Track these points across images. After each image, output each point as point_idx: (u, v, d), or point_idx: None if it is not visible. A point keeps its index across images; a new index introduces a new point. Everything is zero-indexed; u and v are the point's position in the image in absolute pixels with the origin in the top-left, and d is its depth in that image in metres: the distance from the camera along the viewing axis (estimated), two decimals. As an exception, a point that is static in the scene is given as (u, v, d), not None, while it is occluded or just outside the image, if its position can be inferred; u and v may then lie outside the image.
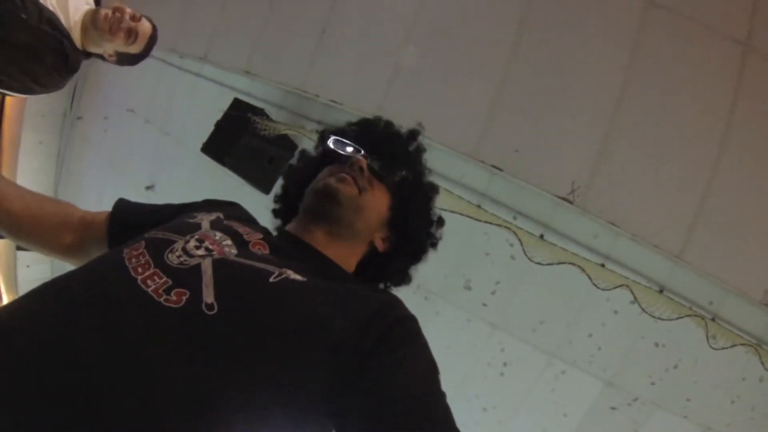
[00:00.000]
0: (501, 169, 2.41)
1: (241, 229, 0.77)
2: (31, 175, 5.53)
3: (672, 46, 2.65)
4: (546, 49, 2.61)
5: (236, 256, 0.69)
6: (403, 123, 2.47)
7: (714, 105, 2.65)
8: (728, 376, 3.09)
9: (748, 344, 2.95)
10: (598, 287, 2.87)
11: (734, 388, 3.11)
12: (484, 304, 2.90)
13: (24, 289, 6.19)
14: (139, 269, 0.64)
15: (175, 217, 0.84)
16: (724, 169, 2.64)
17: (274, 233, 0.87)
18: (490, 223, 2.52)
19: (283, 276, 0.66)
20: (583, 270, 2.78)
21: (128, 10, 1.65)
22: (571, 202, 2.55)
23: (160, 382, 0.55)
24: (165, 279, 0.63)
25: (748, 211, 2.68)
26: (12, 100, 6.34)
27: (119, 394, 0.53)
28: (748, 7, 2.63)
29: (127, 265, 0.65)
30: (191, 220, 0.78)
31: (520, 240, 2.55)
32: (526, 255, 2.59)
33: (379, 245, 0.88)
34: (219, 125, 3.00)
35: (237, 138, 2.86)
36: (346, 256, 0.85)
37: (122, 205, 0.95)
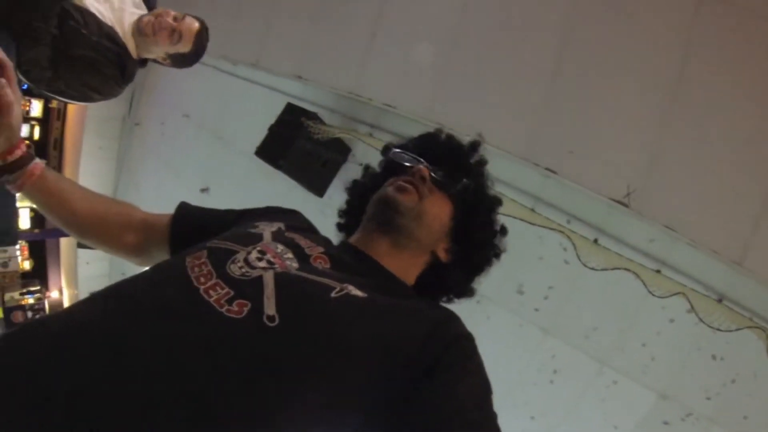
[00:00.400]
0: (555, 172, 2.38)
1: (303, 241, 0.77)
2: (91, 177, 5.83)
3: (727, 41, 2.54)
4: (595, 47, 2.56)
5: (298, 269, 0.70)
6: (456, 125, 2.47)
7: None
8: (790, 394, 2.93)
9: (811, 359, 2.79)
10: (653, 294, 2.78)
11: (797, 407, 2.94)
12: (537, 309, 2.86)
13: (84, 285, 6.52)
14: (201, 279, 0.66)
15: (237, 224, 0.86)
16: (788, 171, 2.52)
17: (336, 243, 0.89)
18: (544, 226, 2.48)
19: (345, 291, 0.67)
20: (638, 276, 2.70)
21: (171, 12, 1.70)
22: (626, 206, 2.49)
23: (220, 391, 0.56)
24: (227, 290, 0.64)
25: (817, 216, 2.55)
26: (73, 107, 6.72)
27: (178, 402, 0.55)
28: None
29: (189, 275, 0.67)
30: (253, 231, 0.79)
31: (573, 244, 2.51)
32: (579, 260, 2.54)
33: (442, 255, 0.88)
34: (272, 129, 3.09)
35: (291, 142, 2.94)
36: (408, 267, 0.86)
37: (184, 210, 0.97)
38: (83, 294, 6.66)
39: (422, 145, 0.96)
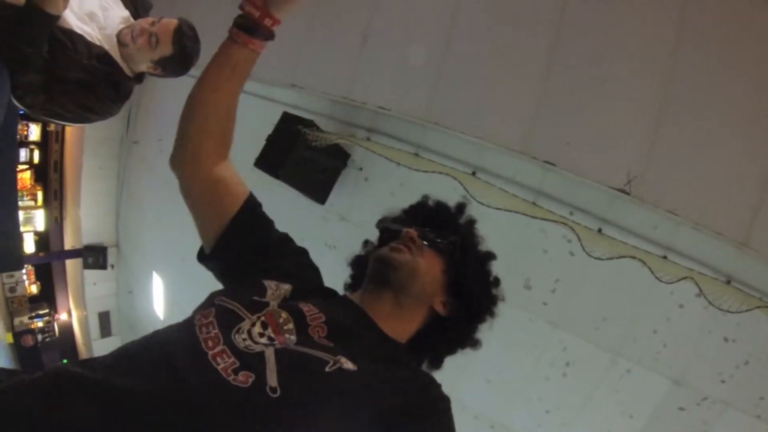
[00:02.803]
0: (554, 164, 2.38)
1: (306, 308, 0.85)
2: (93, 197, 5.87)
3: (719, 23, 2.54)
4: (588, 37, 2.55)
5: (296, 344, 0.78)
6: (452, 124, 2.46)
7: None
8: (804, 372, 2.91)
9: (826, 337, 2.78)
10: (660, 281, 2.76)
11: (812, 385, 2.92)
12: (545, 303, 2.85)
13: (92, 305, 6.55)
14: (210, 342, 0.74)
15: (275, 258, 0.95)
16: (790, 148, 2.51)
17: (341, 295, 0.99)
18: (547, 219, 2.48)
19: (337, 366, 0.76)
20: (645, 263, 2.69)
21: (149, 19, 1.69)
22: (627, 193, 2.48)
23: None
24: (233, 359, 0.72)
25: (819, 192, 2.53)
26: (72, 130, 6.76)
27: None
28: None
29: (198, 335, 0.75)
30: (260, 299, 0.85)
31: (577, 235, 2.50)
32: (584, 250, 2.53)
33: (440, 309, 0.94)
34: (270, 139, 3.09)
35: (289, 151, 2.94)
36: (404, 325, 0.93)
37: (253, 206, 0.98)
38: (92, 315, 6.69)
39: (411, 212, 1.06)
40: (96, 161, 5.74)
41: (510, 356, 2.99)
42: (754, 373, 2.95)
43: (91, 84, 1.61)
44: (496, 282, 1.02)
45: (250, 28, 0.93)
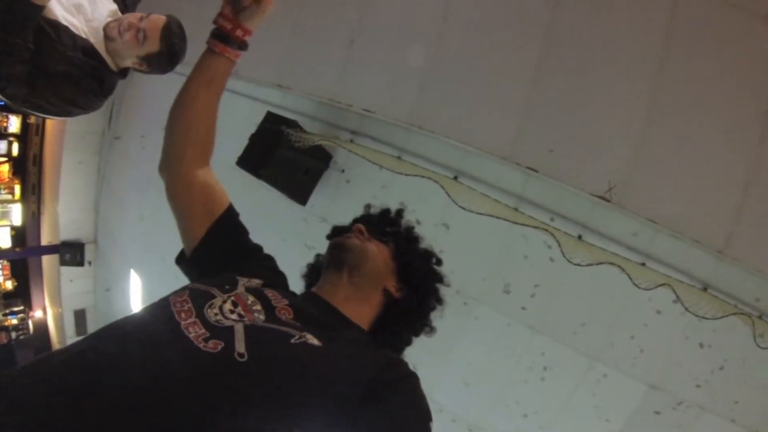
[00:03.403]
0: (536, 170, 2.40)
1: (271, 294, 0.90)
2: (72, 192, 5.75)
3: (705, 33, 2.57)
4: (575, 47, 2.58)
5: (264, 321, 0.82)
6: (437, 128, 2.46)
7: (753, 91, 2.57)
8: (778, 376, 2.97)
9: (799, 342, 2.84)
10: (639, 287, 2.80)
11: (785, 388, 2.99)
12: (524, 308, 2.87)
13: (68, 302, 6.42)
14: (183, 314, 0.79)
15: (248, 263, 1.01)
16: (767, 157, 2.56)
17: (300, 293, 1.04)
18: (528, 225, 2.50)
19: (303, 339, 0.79)
20: (623, 270, 2.72)
21: (137, 14, 1.66)
22: (608, 201, 2.51)
23: (193, 413, 0.68)
24: (204, 330, 0.76)
25: (795, 202, 2.59)
26: (52, 123, 6.62)
27: (154, 421, 0.65)
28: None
29: (172, 309, 0.80)
30: (230, 285, 0.91)
31: (558, 241, 2.52)
32: (564, 256, 2.56)
33: (393, 291, 1.02)
34: (253, 139, 3.06)
35: (272, 151, 2.91)
36: (364, 310, 0.99)
37: (232, 216, 1.05)
38: (67, 312, 6.57)
39: (358, 219, 1.16)
40: (76, 155, 5.63)
41: (488, 360, 3.01)
42: (729, 378, 3.01)
43: (75, 77, 1.57)
44: (439, 262, 1.11)
45: (225, 38, 1.03)
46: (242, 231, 1.07)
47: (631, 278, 2.75)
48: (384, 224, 1.13)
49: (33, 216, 6.79)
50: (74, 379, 0.68)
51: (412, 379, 0.83)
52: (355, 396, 0.76)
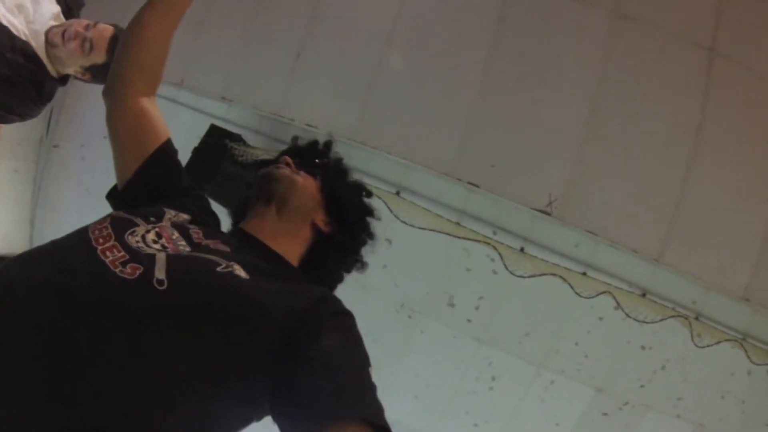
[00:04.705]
0: (478, 186, 2.43)
1: (195, 231, 0.84)
2: (6, 202, 5.42)
3: (640, 55, 2.70)
4: (517, 64, 2.65)
5: (189, 252, 0.77)
6: (380, 144, 2.46)
7: (684, 109, 2.71)
8: (716, 373, 3.12)
9: (733, 339, 3.00)
10: (581, 296, 2.89)
11: (723, 383, 3.14)
12: (469, 320, 2.90)
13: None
14: (101, 240, 0.72)
15: (181, 198, 0.96)
16: (697, 171, 2.70)
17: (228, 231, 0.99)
18: (470, 239, 2.53)
19: (229, 270, 0.73)
20: (565, 280, 2.81)
21: (83, 21, 1.59)
22: (549, 214, 2.58)
23: (108, 346, 0.60)
24: (123, 253, 0.70)
25: (722, 210, 2.74)
26: (-14, 128, 6.25)
27: (69, 354, 0.58)
28: (712, 13, 2.70)
29: (90, 236, 0.73)
30: (155, 217, 0.85)
31: (500, 254, 2.57)
32: (507, 269, 2.60)
33: (322, 225, 0.99)
34: (196, 152, 2.97)
35: (215, 164, 2.84)
36: (293, 245, 0.95)
37: (168, 151, 1.01)
38: None
39: (285, 151, 1.13)
40: (11, 164, 5.30)
41: (436, 372, 3.03)
42: (671, 376, 3.15)
43: (12, 81, 1.48)
44: (369, 193, 1.10)
45: None
46: (178, 168, 1.04)
47: (573, 288, 2.84)
48: (312, 156, 1.09)
49: (-34, 228, 6.40)
50: None
51: (349, 317, 0.78)
52: (283, 331, 0.69)
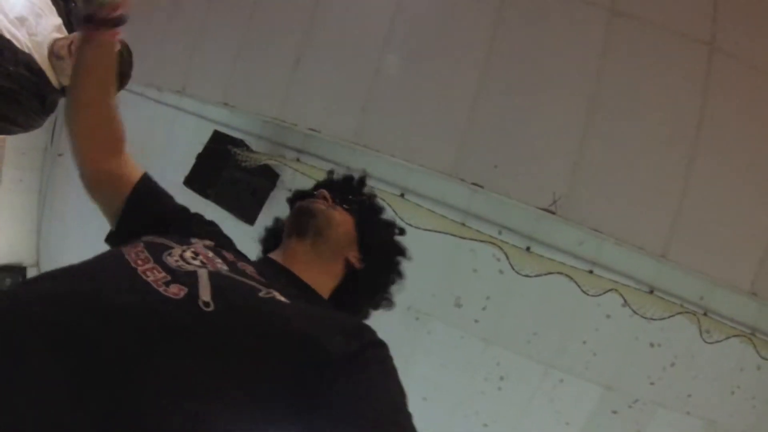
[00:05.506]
0: (482, 186, 2.43)
1: (229, 255, 0.83)
2: (12, 211, 5.45)
3: (639, 52, 2.69)
4: (516, 65, 2.65)
5: (228, 271, 0.75)
6: (382, 147, 2.47)
7: (684, 105, 2.70)
8: (726, 368, 3.11)
9: (742, 335, 2.98)
10: (587, 294, 2.88)
11: (733, 379, 3.13)
12: (476, 321, 2.90)
13: None
14: (139, 262, 0.70)
15: (180, 227, 0.94)
16: (699, 166, 2.69)
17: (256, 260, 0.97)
18: (475, 239, 2.52)
19: (271, 295, 0.72)
20: (572, 278, 2.80)
21: None
22: (553, 213, 2.57)
23: (149, 365, 0.58)
24: (164, 274, 0.68)
25: (726, 205, 2.73)
26: (-9, 139, 6.29)
27: (112, 372, 0.56)
28: (709, 8, 2.69)
29: (127, 258, 0.71)
30: (185, 241, 0.84)
31: (506, 254, 2.56)
32: (513, 269, 2.60)
33: (355, 262, 0.98)
34: (200, 158, 2.99)
35: (219, 170, 2.86)
36: (324, 279, 0.95)
37: (147, 183, 1.00)
38: None
39: (320, 184, 1.12)
40: (17, 173, 5.34)
41: (444, 373, 3.02)
42: (681, 373, 3.13)
43: (15, 94, 1.49)
44: (402, 231, 1.09)
45: (89, 19, 0.92)
46: (163, 195, 1.02)
47: (579, 286, 2.83)
48: (347, 191, 1.08)
49: (-28, 238, 6.43)
50: (13, 314, 0.58)
51: (385, 348, 0.76)
52: (327, 358, 0.67)
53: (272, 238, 1.07)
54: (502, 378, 3.03)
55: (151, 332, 0.60)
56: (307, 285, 0.89)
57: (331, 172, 1.16)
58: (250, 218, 2.92)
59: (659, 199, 2.72)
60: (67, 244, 4.52)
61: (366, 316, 1.03)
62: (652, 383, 3.23)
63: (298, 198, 1.07)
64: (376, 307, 1.04)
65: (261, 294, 0.71)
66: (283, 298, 0.73)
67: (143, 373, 0.58)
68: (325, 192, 1.02)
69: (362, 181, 1.13)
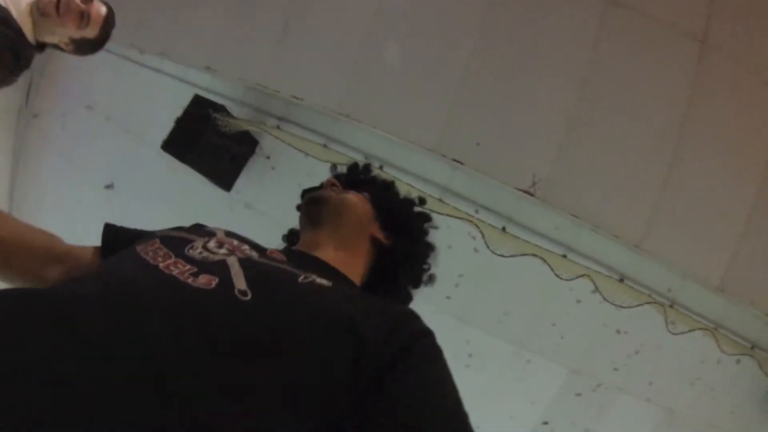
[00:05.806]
0: (462, 163, 2.44)
1: (251, 242, 0.77)
2: (-15, 175, 5.29)
3: (631, 43, 2.71)
4: (507, 44, 2.64)
5: (259, 257, 0.70)
6: (366, 119, 2.45)
7: (672, 99, 2.73)
8: (688, 360, 3.20)
9: (706, 328, 3.08)
10: (560, 278, 2.93)
11: (694, 370, 3.23)
12: (448, 297, 2.92)
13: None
14: (159, 258, 0.63)
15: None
16: (682, 160, 2.73)
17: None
18: (452, 216, 2.54)
19: (310, 279, 0.66)
20: (545, 261, 2.84)
21: None
22: (532, 195, 2.60)
23: (185, 363, 0.51)
24: (189, 266, 0.61)
25: (705, 201, 2.78)
26: (-36, 96, 6.05)
27: (144, 374, 0.49)
28: (705, 4, 2.71)
29: (144, 257, 0.64)
30: (204, 229, 0.78)
31: (482, 233, 2.59)
32: (488, 248, 2.62)
33: (381, 237, 0.93)
34: (179, 122, 2.94)
35: (198, 135, 2.81)
36: (353, 264, 0.88)
37: (112, 233, 0.88)
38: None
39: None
40: (-11, 134, 5.18)
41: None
42: (644, 361, 3.22)
43: None
44: (422, 201, 1.08)
45: None
46: (131, 231, 0.89)
47: (552, 269, 2.87)
48: (355, 176, 1.07)
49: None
50: (41, 315, 0.50)
51: (433, 337, 0.68)
52: (377, 343, 0.60)
53: (294, 236, 1.01)
54: (470, 356, 3.07)
55: (186, 327, 0.53)
56: (338, 270, 0.82)
57: (334, 167, 1.16)
58: (227, 184, 2.89)
59: (639, 190, 2.76)
60: (41, 208, 4.41)
61: (408, 298, 0.98)
62: (616, 369, 3.31)
63: (306, 194, 1.01)
64: (417, 283, 0.99)
65: (300, 279, 0.66)
66: (323, 281, 0.67)
67: (181, 373, 0.51)
68: (332, 180, 0.99)
69: (368, 167, 1.13)
